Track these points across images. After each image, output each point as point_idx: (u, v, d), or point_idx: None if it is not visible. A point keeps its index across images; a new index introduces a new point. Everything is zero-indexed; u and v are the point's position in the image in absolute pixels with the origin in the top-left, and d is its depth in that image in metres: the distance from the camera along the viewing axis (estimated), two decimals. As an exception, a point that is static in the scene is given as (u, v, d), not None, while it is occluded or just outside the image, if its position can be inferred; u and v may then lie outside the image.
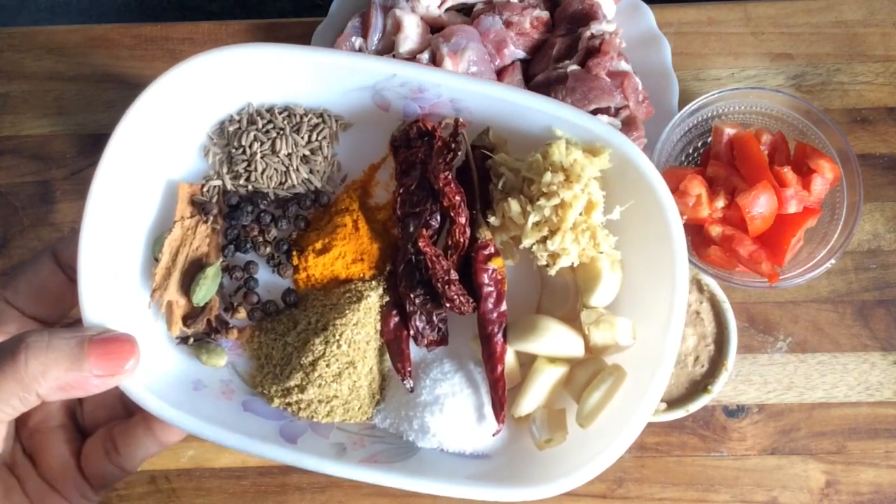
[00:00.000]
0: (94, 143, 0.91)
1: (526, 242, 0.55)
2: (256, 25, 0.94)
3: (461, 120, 0.58)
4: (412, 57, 0.83)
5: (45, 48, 0.93)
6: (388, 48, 0.86)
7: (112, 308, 0.52)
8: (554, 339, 0.55)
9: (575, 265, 0.56)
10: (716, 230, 0.79)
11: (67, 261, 0.53)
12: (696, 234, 0.82)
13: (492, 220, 0.57)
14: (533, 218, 0.54)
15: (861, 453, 0.83)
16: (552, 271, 0.56)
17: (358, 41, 0.86)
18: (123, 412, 0.56)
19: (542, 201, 0.54)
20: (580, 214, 0.54)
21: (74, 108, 0.92)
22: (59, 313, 0.55)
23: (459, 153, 0.57)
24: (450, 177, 0.57)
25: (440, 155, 0.57)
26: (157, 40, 0.94)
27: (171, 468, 0.83)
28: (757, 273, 0.78)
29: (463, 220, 0.56)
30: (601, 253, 0.56)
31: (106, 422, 0.55)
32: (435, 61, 0.81)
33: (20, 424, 0.52)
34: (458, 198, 0.56)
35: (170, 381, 0.55)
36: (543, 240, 0.55)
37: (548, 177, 0.54)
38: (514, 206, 0.55)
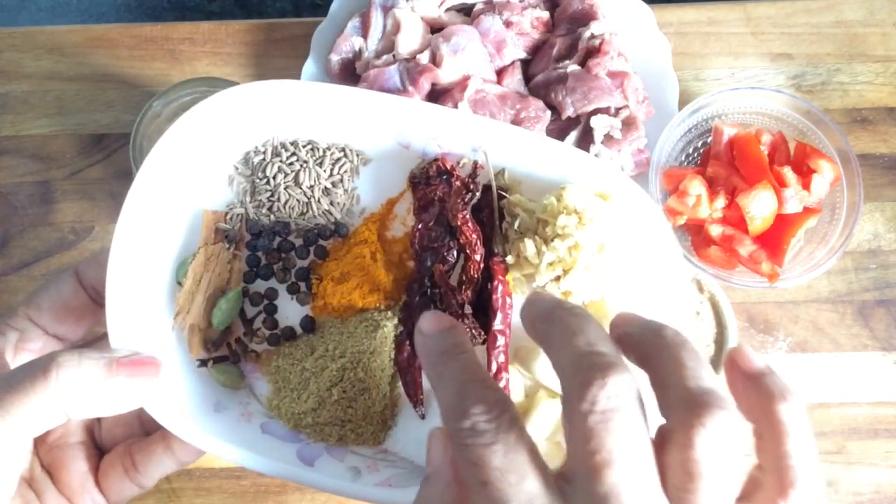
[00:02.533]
0: (94, 143, 0.91)
1: (540, 280, 0.57)
2: (256, 26, 0.94)
3: (479, 162, 0.60)
4: (412, 57, 0.83)
5: (45, 48, 0.93)
6: (388, 48, 0.86)
7: (137, 330, 0.53)
8: (551, 373, 0.57)
9: (585, 303, 0.58)
10: (716, 230, 0.79)
11: (90, 281, 0.54)
12: (696, 234, 0.82)
13: (508, 258, 0.59)
14: (547, 258, 0.56)
15: (861, 453, 0.83)
16: None
17: (358, 41, 0.86)
18: (141, 430, 0.57)
19: (556, 242, 0.56)
20: (592, 255, 0.56)
21: (74, 108, 0.92)
22: (81, 332, 0.56)
23: (477, 193, 0.59)
24: (468, 216, 0.59)
25: (459, 195, 0.59)
26: (157, 40, 0.94)
27: (171, 468, 0.84)
28: (757, 273, 0.78)
29: (478, 257, 0.58)
30: (611, 291, 0.58)
31: (123, 439, 0.56)
32: (435, 61, 0.81)
33: (39, 441, 0.53)
34: (474, 236, 0.58)
35: (191, 402, 0.56)
36: (557, 278, 0.57)
37: (562, 219, 0.55)
38: (529, 246, 0.57)
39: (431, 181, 0.61)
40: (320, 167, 0.62)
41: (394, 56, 0.84)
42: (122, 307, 0.52)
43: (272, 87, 0.57)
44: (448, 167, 0.60)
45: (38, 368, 0.45)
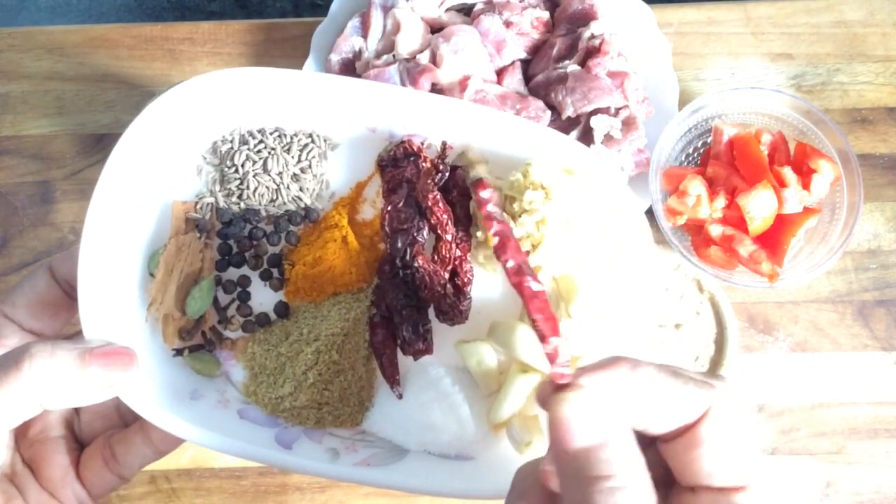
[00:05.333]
0: (94, 143, 0.91)
1: None
2: (256, 26, 0.94)
3: (448, 143, 0.60)
4: (412, 57, 0.83)
5: (45, 48, 0.93)
6: (388, 48, 0.86)
7: (110, 322, 0.53)
8: (527, 348, 0.58)
9: (556, 277, 0.58)
10: (716, 230, 0.79)
11: (64, 276, 0.54)
12: (696, 234, 0.82)
13: (478, 234, 0.60)
14: (515, 234, 0.56)
15: (861, 453, 0.83)
16: None
17: (358, 41, 0.86)
18: (120, 422, 0.57)
19: (524, 218, 0.56)
20: (560, 229, 0.57)
21: (74, 108, 0.92)
22: (57, 327, 0.56)
23: (447, 174, 0.60)
24: (437, 196, 0.59)
25: (428, 176, 0.59)
26: (157, 40, 0.94)
27: (171, 468, 0.83)
28: (757, 273, 0.78)
29: (449, 237, 0.59)
30: (580, 265, 0.58)
31: (103, 432, 0.56)
32: (435, 61, 0.81)
33: (19, 435, 0.53)
34: (445, 216, 0.59)
35: (167, 391, 0.56)
36: (526, 254, 0.57)
37: (529, 195, 0.56)
38: None
39: (399, 163, 0.61)
40: (288, 153, 0.62)
41: (394, 56, 0.84)
42: (95, 298, 0.52)
43: (237, 75, 0.57)
44: (415, 148, 0.60)
45: (11, 359, 0.45)
